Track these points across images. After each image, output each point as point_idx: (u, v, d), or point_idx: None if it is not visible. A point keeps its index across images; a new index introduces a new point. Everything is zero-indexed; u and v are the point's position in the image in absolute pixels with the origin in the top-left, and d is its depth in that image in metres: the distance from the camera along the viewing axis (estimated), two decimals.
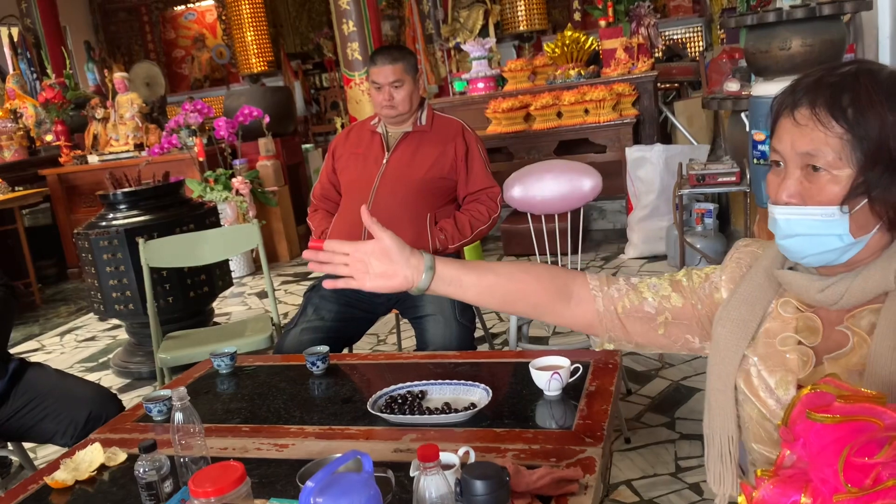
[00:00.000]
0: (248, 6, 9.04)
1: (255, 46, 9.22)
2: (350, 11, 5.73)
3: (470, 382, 1.69)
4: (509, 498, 0.98)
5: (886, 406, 0.76)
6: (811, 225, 0.94)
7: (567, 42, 4.96)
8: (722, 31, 6.43)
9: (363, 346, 3.59)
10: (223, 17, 11.35)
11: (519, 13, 8.62)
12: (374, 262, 1.20)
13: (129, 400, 3.27)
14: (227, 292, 4.67)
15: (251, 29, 9.14)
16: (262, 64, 9.29)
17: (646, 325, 1.18)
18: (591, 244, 4.94)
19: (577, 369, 1.66)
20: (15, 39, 7.93)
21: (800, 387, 0.98)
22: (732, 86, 3.77)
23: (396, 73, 2.50)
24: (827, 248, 0.95)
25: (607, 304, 1.19)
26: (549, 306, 1.21)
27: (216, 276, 3.66)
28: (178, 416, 1.37)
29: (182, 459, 1.39)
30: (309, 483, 0.88)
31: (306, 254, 1.27)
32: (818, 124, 0.92)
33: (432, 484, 1.04)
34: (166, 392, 1.86)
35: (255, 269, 5.53)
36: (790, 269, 1.05)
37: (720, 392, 1.08)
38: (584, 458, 1.36)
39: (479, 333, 3.06)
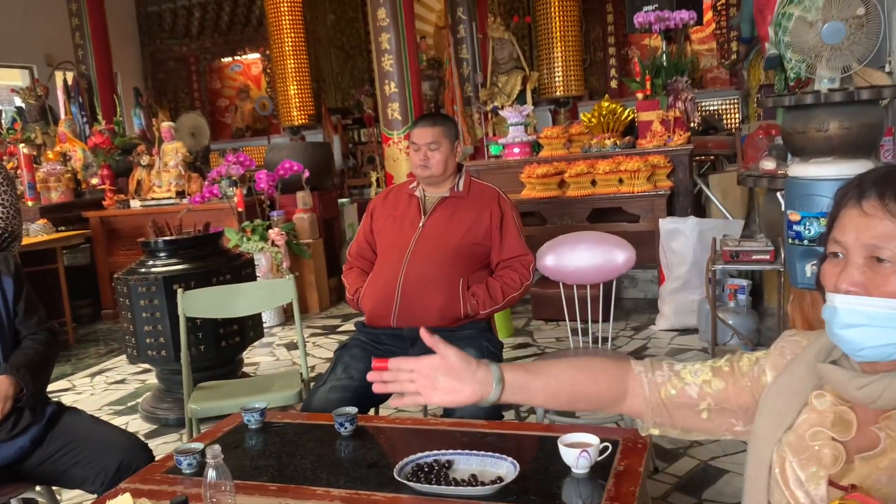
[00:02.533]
0: (293, 61, 9.36)
1: (297, 100, 9.51)
2: (393, 73, 5.91)
3: (498, 455, 1.68)
4: None
5: None
6: (874, 316, 0.94)
7: (604, 112, 5.04)
8: (758, 105, 6.49)
9: (388, 406, 3.59)
10: (268, 70, 11.73)
11: (556, 78, 8.80)
12: (441, 377, 1.25)
13: (154, 446, 3.28)
14: (255, 342, 4.71)
15: (294, 83, 9.45)
16: (303, 117, 9.56)
17: (689, 410, 1.21)
18: (622, 312, 4.91)
19: (605, 448, 1.65)
20: (69, 84, 8.25)
21: (831, 483, 0.98)
22: (768, 164, 3.79)
23: (434, 135, 2.59)
24: (888, 342, 0.94)
25: (652, 389, 1.24)
26: (608, 403, 1.28)
27: (248, 327, 3.72)
28: (211, 474, 1.39)
29: None
30: None
31: (371, 376, 1.30)
32: (888, 215, 0.94)
33: None
34: (196, 445, 1.88)
35: (285, 320, 5.58)
36: (832, 362, 1.06)
37: (753, 480, 1.09)
38: None
39: None
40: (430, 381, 1.25)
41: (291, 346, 4.93)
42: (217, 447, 1.41)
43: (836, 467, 0.99)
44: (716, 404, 1.19)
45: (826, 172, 3.34)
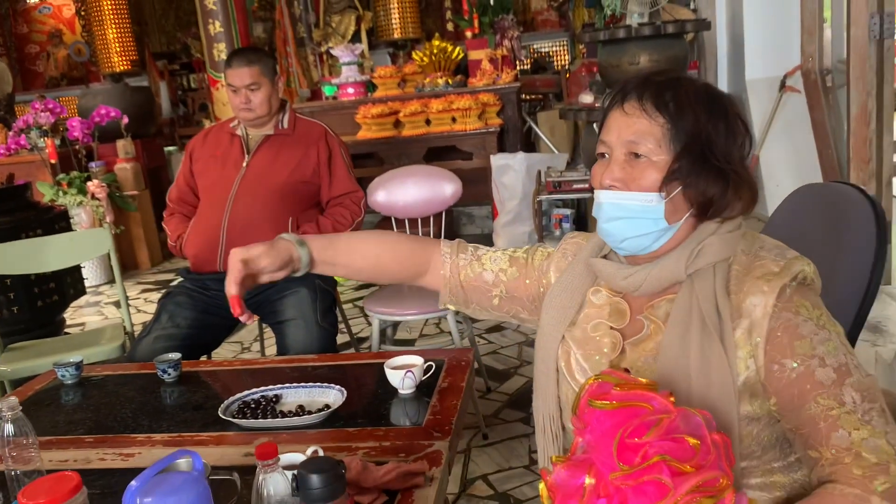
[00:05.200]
0: (109, 2, 8.61)
1: (117, 44, 8.77)
2: (217, 11, 5.59)
3: (325, 384, 1.70)
4: (345, 490, 1.01)
5: (657, 392, 0.85)
6: (632, 209, 1.04)
7: (435, 51, 5.06)
8: (583, 45, 6.76)
9: (226, 356, 3.51)
10: (82, 13, 10.73)
11: (393, 21, 8.68)
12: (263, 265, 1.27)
13: None
14: (81, 301, 4.44)
15: (113, 26, 8.70)
16: (124, 63, 8.85)
17: (483, 293, 1.32)
18: None
19: (430, 367, 1.70)
20: None
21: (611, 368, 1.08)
22: (587, 98, 3.97)
23: (253, 75, 2.48)
24: (644, 232, 1.04)
25: (453, 270, 1.33)
26: (409, 279, 1.39)
27: (66, 284, 3.47)
28: (9, 428, 1.30)
29: (14, 473, 1.32)
30: (132, 483, 0.87)
31: (242, 317, 1.29)
32: (644, 114, 1.03)
33: (272, 482, 1.04)
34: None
35: (113, 278, 5.25)
36: (604, 257, 1.16)
37: (543, 374, 1.19)
38: (432, 451, 1.40)
39: (345, 339, 3.07)
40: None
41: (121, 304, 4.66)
42: (14, 399, 1.32)
43: (615, 353, 1.10)
44: (507, 292, 1.30)
45: None
